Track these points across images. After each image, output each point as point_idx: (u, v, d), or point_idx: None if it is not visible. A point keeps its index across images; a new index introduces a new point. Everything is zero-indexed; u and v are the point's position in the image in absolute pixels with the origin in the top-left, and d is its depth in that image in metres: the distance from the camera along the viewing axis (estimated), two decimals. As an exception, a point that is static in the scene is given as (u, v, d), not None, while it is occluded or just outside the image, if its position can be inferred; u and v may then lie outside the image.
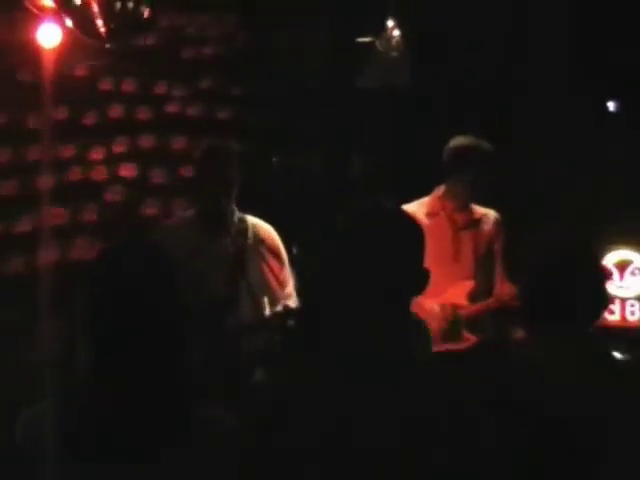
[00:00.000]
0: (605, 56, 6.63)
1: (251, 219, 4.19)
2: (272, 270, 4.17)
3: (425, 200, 4.77)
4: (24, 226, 5.92)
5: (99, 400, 1.86)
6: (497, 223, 4.78)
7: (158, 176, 6.48)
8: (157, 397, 1.86)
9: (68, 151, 6.22)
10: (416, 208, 4.57)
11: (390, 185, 6.14)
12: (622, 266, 6.22)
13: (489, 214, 4.80)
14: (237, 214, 4.14)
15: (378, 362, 1.89)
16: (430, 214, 4.65)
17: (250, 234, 4.14)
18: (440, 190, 4.75)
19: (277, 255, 4.21)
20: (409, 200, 4.71)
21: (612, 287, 5.99)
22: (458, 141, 4.67)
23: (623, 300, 6.17)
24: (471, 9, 6.49)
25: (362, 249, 1.93)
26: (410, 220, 2.01)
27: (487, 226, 4.74)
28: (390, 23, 6.66)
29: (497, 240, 4.76)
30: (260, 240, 4.16)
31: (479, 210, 4.78)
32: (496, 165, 4.63)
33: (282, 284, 4.18)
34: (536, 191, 6.58)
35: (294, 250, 5.48)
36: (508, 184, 5.82)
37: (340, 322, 1.95)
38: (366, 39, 6.81)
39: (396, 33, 6.66)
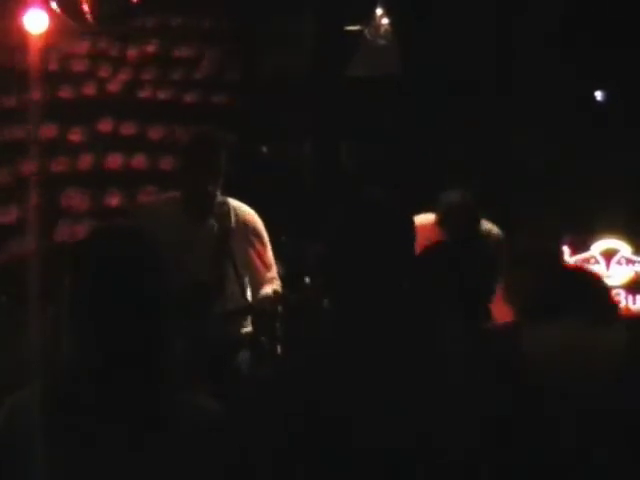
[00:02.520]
0: (594, 47, 6.62)
1: (232, 202, 4.18)
2: (256, 252, 4.17)
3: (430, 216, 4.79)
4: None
5: (82, 387, 1.85)
6: (498, 240, 4.78)
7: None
8: (140, 383, 1.85)
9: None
10: (427, 219, 4.62)
11: (381, 175, 6.14)
12: (608, 255, 6.25)
13: (492, 230, 4.80)
14: (219, 197, 4.12)
15: (372, 343, 1.93)
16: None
17: (232, 217, 4.13)
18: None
19: (260, 237, 4.20)
20: (402, 190, 4.71)
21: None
22: (446, 199, 4.70)
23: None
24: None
25: (359, 236, 2.00)
26: (401, 208, 2.10)
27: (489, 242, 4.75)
28: (379, 11, 6.64)
29: (498, 256, 4.75)
30: (242, 222, 4.16)
31: (483, 225, 4.79)
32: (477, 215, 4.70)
33: (266, 266, 4.18)
34: (525, 182, 6.60)
35: (283, 239, 5.47)
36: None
37: (339, 306, 2.01)
38: (355, 27, 6.79)
39: (385, 21, 6.65)
